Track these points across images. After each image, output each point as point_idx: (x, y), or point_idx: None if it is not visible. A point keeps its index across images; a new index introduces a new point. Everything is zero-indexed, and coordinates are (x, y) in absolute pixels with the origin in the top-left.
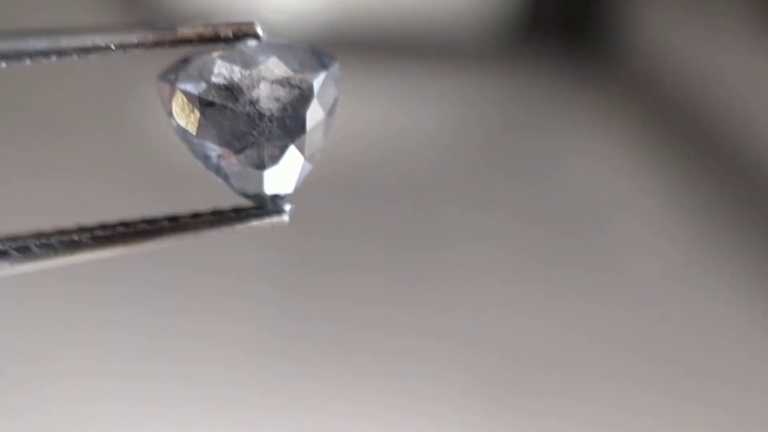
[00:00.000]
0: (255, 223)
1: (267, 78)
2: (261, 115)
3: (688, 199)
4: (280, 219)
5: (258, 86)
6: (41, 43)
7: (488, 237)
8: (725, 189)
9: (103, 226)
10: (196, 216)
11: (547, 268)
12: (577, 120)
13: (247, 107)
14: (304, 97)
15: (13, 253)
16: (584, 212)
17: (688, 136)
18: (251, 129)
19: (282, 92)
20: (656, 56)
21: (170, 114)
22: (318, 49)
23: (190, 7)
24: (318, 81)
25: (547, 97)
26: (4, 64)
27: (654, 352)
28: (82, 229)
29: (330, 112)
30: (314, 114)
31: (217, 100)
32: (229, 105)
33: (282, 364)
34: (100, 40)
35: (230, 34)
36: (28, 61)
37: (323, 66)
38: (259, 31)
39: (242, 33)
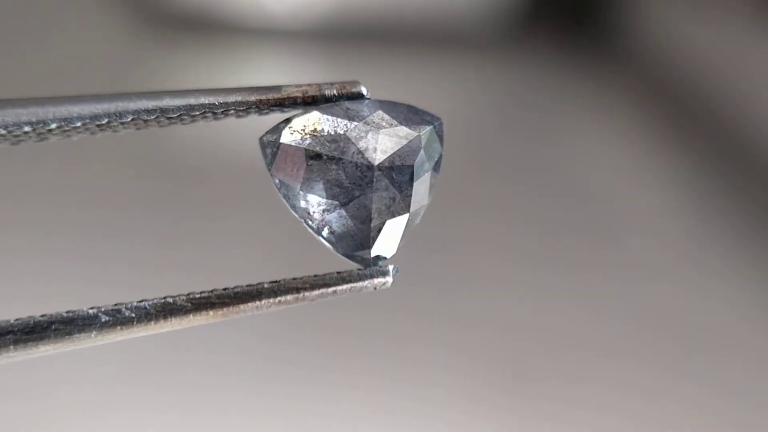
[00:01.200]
0: (358, 284)
1: (374, 129)
2: (369, 166)
3: (693, 182)
4: (383, 281)
5: (366, 136)
6: (146, 104)
7: (493, 222)
8: (729, 170)
9: (199, 292)
10: (296, 279)
11: (553, 253)
12: (582, 107)
13: (355, 157)
14: (412, 148)
15: (103, 317)
16: (590, 196)
17: (692, 121)
18: (359, 180)
19: (390, 143)
20: (661, 42)
21: (273, 171)
22: (421, 109)
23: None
24: (425, 134)
25: (552, 86)
26: (105, 121)
27: (661, 334)
28: (176, 294)
29: (435, 168)
30: (421, 167)
31: (323, 151)
32: (336, 155)
33: (283, 364)
34: (204, 100)
35: (335, 92)
36: (129, 120)
37: (428, 122)
38: (363, 90)
39: (347, 92)
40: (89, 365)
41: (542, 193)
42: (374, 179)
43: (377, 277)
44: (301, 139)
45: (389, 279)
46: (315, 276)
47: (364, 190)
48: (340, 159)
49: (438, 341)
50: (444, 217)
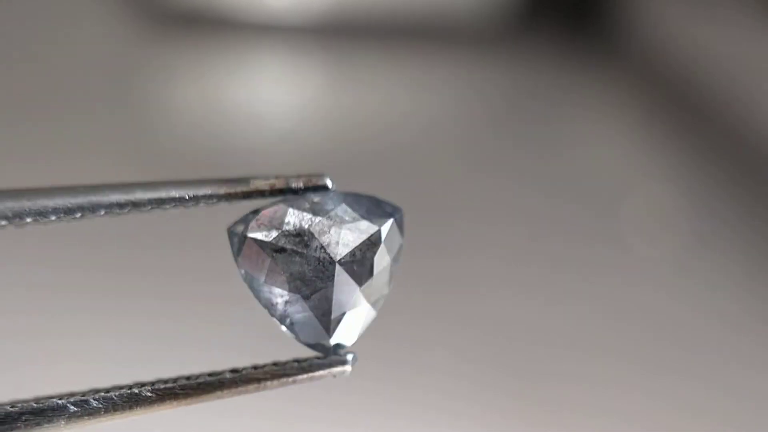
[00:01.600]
0: (317, 374)
1: (337, 224)
2: (331, 260)
3: (694, 178)
4: (342, 369)
5: (329, 231)
6: (118, 198)
7: (494, 220)
8: (732, 167)
9: (164, 380)
10: (257, 368)
11: (554, 251)
12: (582, 105)
13: (318, 252)
14: (373, 242)
15: (71, 408)
16: (591, 194)
17: (693, 118)
18: (321, 273)
19: (351, 237)
20: (662, 38)
21: (239, 262)
22: (383, 200)
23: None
24: (386, 228)
25: (552, 83)
26: (79, 215)
27: (661, 333)
28: (141, 383)
29: (395, 259)
30: (381, 260)
31: (287, 246)
32: (300, 250)
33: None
34: (174, 193)
35: (301, 185)
36: (102, 213)
37: (389, 214)
38: (329, 182)
39: (312, 185)
40: (85, 363)
41: (541, 191)
42: (335, 273)
43: (336, 365)
44: (267, 232)
45: (348, 368)
46: (275, 365)
47: (325, 282)
48: (304, 253)
49: (436, 341)
50: (442, 216)
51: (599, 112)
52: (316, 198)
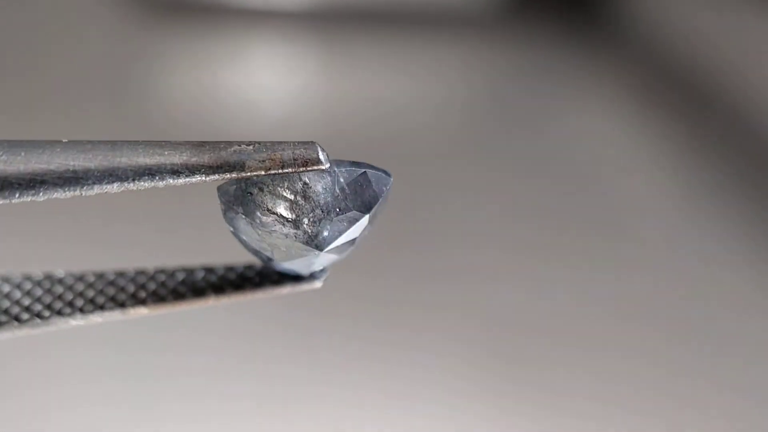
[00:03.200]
0: (288, 289)
1: (327, 217)
2: (318, 245)
3: (694, 166)
4: (312, 285)
5: (318, 224)
6: (94, 163)
7: (490, 207)
8: (732, 155)
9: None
10: (230, 269)
11: (549, 239)
12: (581, 90)
13: (303, 237)
14: (359, 227)
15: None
16: (588, 180)
17: (693, 105)
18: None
19: (338, 229)
20: (660, 24)
21: (228, 216)
22: (373, 171)
23: None
24: (373, 211)
25: (550, 68)
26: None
27: (657, 322)
28: (122, 288)
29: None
30: (362, 236)
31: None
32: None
33: (284, 351)
34: (175, 160)
35: (295, 161)
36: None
37: (379, 192)
38: (322, 156)
39: (308, 168)
40: (84, 357)
41: (539, 178)
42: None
43: (308, 282)
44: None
45: (319, 284)
46: (257, 275)
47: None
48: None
49: (434, 329)
50: (439, 203)
51: (597, 96)
52: (309, 180)
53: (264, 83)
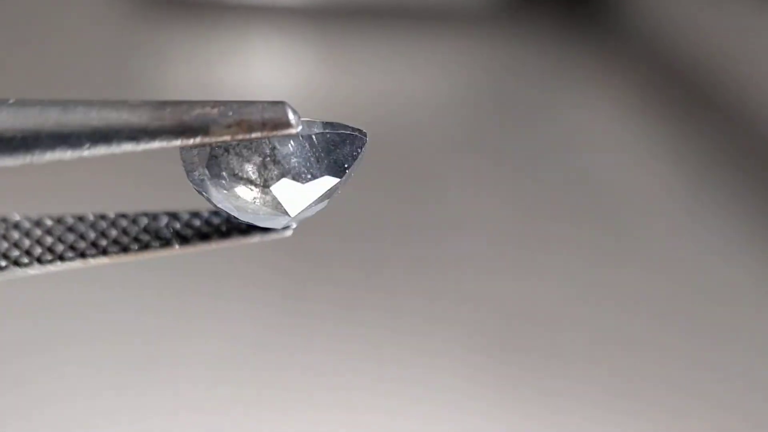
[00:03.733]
0: (257, 238)
1: (293, 182)
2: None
3: (694, 160)
4: (282, 235)
5: (285, 189)
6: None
7: (492, 198)
8: (732, 148)
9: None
10: (195, 215)
11: (549, 226)
12: (582, 84)
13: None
14: (329, 194)
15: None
16: (587, 173)
17: (693, 99)
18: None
19: (307, 197)
20: (661, 18)
21: (191, 176)
22: (348, 131)
23: None
24: (344, 178)
25: (551, 62)
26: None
27: (655, 311)
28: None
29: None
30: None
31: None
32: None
33: (273, 347)
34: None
35: (264, 128)
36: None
37: (353, 157)
38: (292, 118)
39: (275, 123)
40: (83, 351)
41: (539, 171)
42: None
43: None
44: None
45: (289, 233)
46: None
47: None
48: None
49: (432, 317)
50: (440, 198)
51: (598, 91)
52: (278, 145)
53: (262, 78)
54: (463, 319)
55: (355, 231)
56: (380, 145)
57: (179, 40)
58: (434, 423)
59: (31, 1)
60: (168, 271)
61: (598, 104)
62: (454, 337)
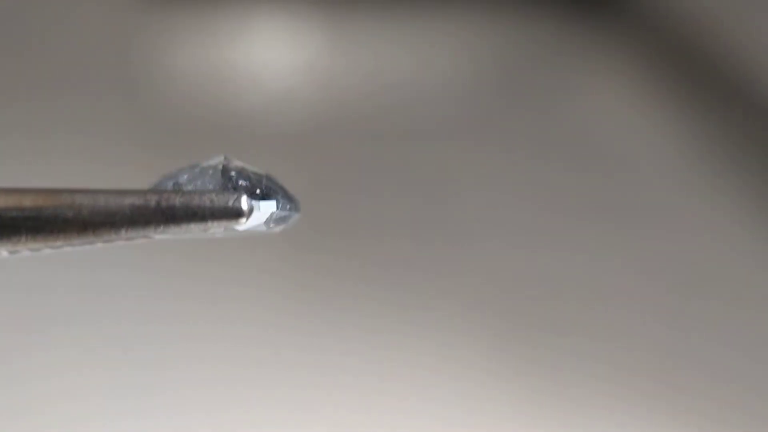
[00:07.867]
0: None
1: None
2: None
3: (706, 139)
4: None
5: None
6: None
7: (499, 182)
8: (744, 127)
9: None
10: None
11: (559, 206)
12: (589, 63)
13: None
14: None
15: None
16: (600, 154)
17: (701, 77)
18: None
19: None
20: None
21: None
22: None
23: None
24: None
25: (559, 43)
26: None
27: (664, 281)
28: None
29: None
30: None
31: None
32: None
33: (288, 330)
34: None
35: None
36: None
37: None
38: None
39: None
40: (83, 352)
41: (547, 154)
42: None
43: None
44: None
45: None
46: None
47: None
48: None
49: (442, 290)
50: (445, 180)
51: (606, 70)
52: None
53: (267, 60)
54: (474, 316)
55: (366, 221)
56: (388, 129)
57: (185, 21)
58: (439, 423)
59: None
60: (168, 271)
61: (610, 85)
62: (465, 332)
